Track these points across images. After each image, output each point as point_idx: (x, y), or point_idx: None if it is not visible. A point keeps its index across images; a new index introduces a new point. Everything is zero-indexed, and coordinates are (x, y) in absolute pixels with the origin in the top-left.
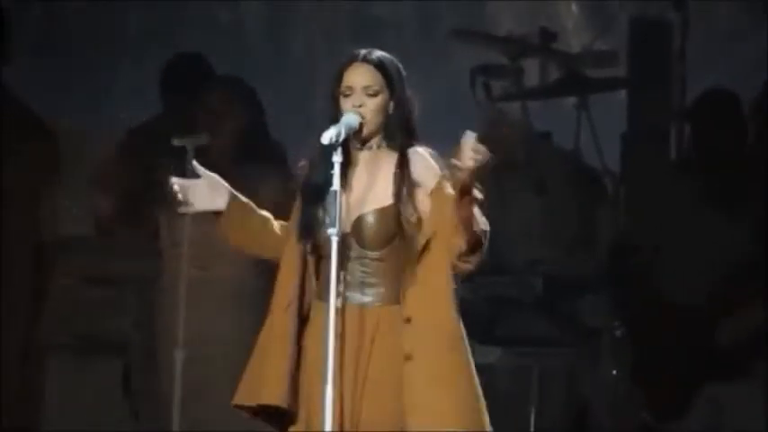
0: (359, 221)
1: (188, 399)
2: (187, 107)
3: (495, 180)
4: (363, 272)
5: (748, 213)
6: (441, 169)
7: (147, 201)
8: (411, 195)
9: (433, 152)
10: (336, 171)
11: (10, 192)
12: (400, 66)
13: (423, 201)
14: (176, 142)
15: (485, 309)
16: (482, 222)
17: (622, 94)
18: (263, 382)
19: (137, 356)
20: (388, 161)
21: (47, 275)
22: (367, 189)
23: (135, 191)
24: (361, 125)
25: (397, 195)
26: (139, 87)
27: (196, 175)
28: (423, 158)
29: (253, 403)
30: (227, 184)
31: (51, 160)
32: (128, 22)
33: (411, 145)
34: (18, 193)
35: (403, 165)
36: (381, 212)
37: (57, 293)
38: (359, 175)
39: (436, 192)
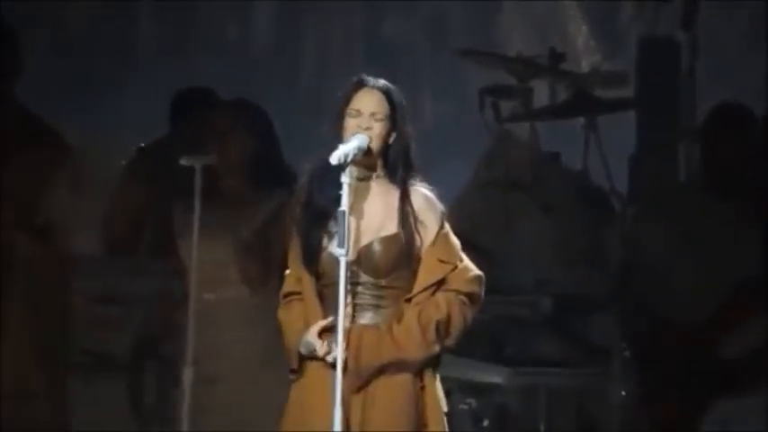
0: (366, 250)
1: (196, 417)
2: (195, 130)
3: (503, 200)
4: (374, 295)
5: (757, 231)
6: (440, 210)
7: (157, 221)
8: (414, 227)
9: (433, 190)
10: (345, 191)
11: (20, 206)
12: (403, 99)
13: (423, 236)
14: (184, 162)
15: (493, 328)
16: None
17: (631, 114)
18: None
19: (146, 375)
20: (392, 193)
21: (58, 294)
22: (372, 219)
23: (145, 210)
24: (369, 147)
25: (402, 224)
26: (148, 105)
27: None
28: (425, 196)
29: None
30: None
31: (60, 169)
32: (137, 41)
33: (411, 176)
34: (26, 205)
35: (406, 196)
36: (388, 240)
37: (67, 312)
38: (363, 206)
39: (431, 251)
